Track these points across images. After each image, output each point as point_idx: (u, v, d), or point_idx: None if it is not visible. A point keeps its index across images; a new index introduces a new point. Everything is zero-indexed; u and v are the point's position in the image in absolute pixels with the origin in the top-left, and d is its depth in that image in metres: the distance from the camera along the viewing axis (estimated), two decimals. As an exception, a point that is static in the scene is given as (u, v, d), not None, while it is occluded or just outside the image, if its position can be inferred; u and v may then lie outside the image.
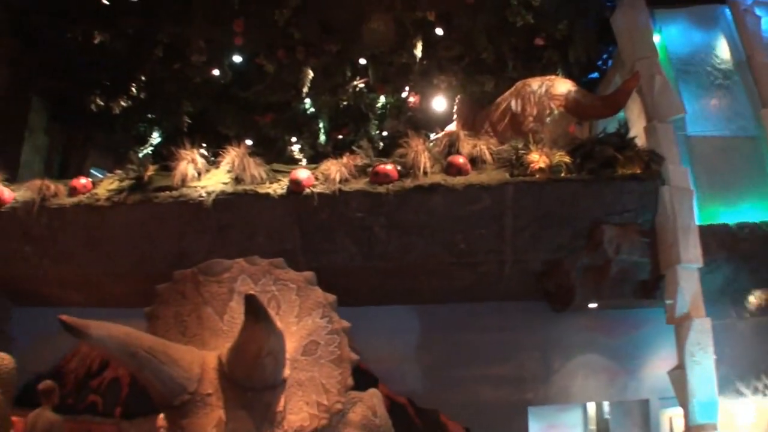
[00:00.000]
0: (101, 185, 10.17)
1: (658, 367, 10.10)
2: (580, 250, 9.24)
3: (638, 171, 9.09)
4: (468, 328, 10.49)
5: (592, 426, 12.31)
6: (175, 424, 5.96)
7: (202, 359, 6.10)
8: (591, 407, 11.97)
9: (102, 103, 13.99)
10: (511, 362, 10.46)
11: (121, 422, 10.57)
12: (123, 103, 14.05)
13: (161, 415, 7.75)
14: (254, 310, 5.37)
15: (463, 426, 10.09)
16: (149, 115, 15.25)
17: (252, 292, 6.07)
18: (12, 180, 11.00)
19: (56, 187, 10.20)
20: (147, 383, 6.04)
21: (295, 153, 15.32)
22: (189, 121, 14.53)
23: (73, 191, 10.12)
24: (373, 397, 7.47)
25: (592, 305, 10.18)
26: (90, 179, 10.45)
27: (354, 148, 9.91)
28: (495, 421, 10.06)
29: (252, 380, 5.86)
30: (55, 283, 10.54)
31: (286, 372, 6.19)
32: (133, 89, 14.09)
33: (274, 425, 5.94)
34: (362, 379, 8.35)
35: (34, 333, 10.80)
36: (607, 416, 12.41)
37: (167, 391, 5.86)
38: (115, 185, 9.98)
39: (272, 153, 13.81)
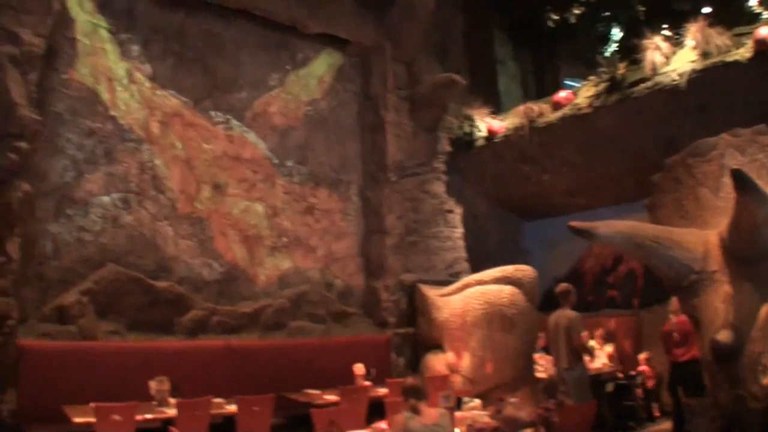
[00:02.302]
0: (579, 94, 10.74)
1: None
2: None
3: None
4: None
5: None
6: (687, 304, 6.20)
7: (704, 238, 6.21)
8: None
9: (557, 17, 14.52)
10: None
11: (639, 311, 11.09)
12: (576, 11, 14.38)
13: (674, 299, 8.06)
14: (740, 182, 5.32)
15: None
16: (604, 14, 15.28)
17: (736, 165, 5.98)
18: (497, 111, 12.21)
19: (539, 106, 11.11)
20: (656, 270, 6.38)
21: (753, 7, 13.97)
22: (643, 8, 14.23)
23: (557, 106, 10.87)
24: None
25: None
26: (569, 90, 11.08)
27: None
28: None
29: (752, 251, 5.78)
30: (556, 193, 11.48)
31: (787, 239, 5.95)
32: (581, -5, 14.30)
33: (781, 294, 5.80)
34: None
35: (545, 242, 11.98)
36: None
37: (675, 273, 6.13)
38: (591, 91, 10.46)
39: (733, 13, 12.79)
